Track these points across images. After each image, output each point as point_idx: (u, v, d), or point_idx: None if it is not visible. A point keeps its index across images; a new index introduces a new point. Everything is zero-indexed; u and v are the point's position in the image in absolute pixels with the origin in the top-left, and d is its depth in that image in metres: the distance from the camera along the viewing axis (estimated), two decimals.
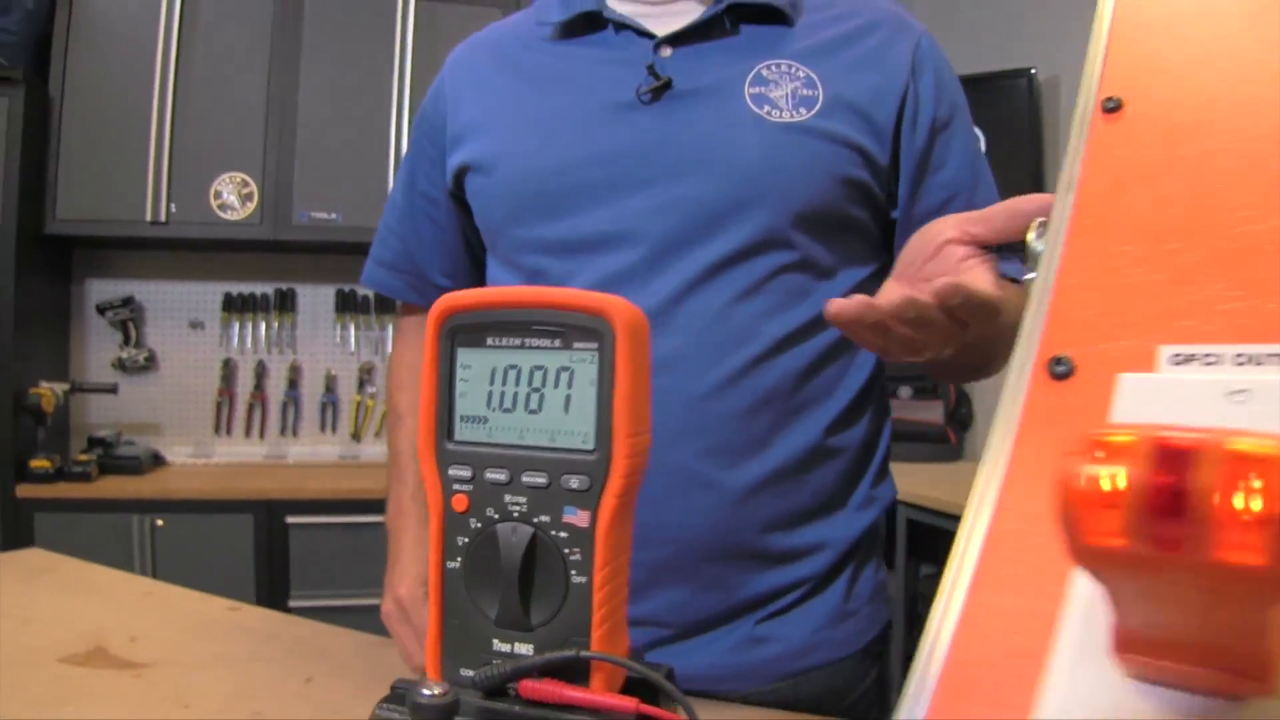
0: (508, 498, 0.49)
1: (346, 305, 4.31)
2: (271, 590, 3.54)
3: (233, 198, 3.82)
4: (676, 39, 1.12)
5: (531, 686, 0.47)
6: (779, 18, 1.13)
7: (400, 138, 3.89)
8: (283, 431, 4.33)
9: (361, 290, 4.29)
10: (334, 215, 3.86)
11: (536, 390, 0.49)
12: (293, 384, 4.32)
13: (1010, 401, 0.40)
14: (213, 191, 3.81)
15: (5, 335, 3.53)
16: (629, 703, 0.46)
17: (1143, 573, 0.25)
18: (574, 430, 0.48)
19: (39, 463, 3.57)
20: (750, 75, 1.09)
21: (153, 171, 3.76)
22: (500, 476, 0.49)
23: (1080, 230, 0.44)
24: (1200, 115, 0.45)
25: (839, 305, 0.78)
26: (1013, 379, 0.41)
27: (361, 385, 4.36)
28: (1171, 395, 0.36)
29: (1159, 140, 0.46)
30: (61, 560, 1.56)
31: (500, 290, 0.51)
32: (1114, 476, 0.23)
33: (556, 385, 0.49)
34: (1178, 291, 0.39)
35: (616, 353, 0.47)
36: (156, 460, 4.10)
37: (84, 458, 3.71)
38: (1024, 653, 0.31)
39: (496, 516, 0.49)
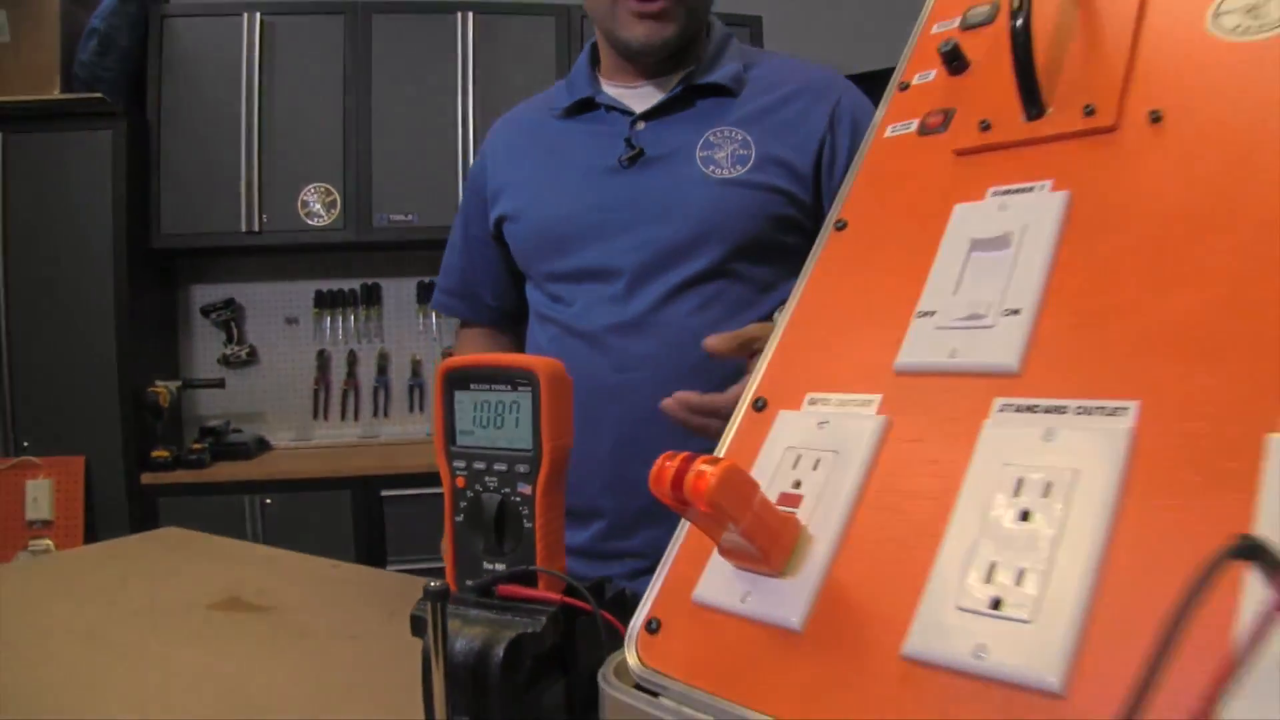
0: (486, 478, 0.80)
1: (427, 296, 4.49)
2: (371, 556, 3.78)
3: (318, 206, 4.09)
4: (649, 115, 1.46)
5: (503, 589, 0.79)
6: (726, 91, 1.45)
7: (467, 142, 4.12)
8: (375, 414, 4.60)
9: None
10: (411, 217, 4.11)
11: (499, 415, 0.80)
12: (382, 370, 4.59)
13: (730, 427, 0.69)
14: (300, 201, 4.08)
15: (123, 341, 3.81)
16: (556, 596, 0.78)
17: (691, 517, 0.56)
18: (521, 438, 0.79)
19: (159, 453, 3.87)
20: (700, 141, 1.42)
21: (245, 186, 4.04)
22: (482, 465, 0.81)
23: (798, 310, 0.74)
24: (889, 231, 0.75)
25: (707, 340, 1.14)
26: (737, 410, 0.70)
27: (442, 356, 4.54)
28: (795, 425, 0.64)
29: (861, 249, 0.75)
30: (194, 535, 1.88)
31: (475, 357, 0.82)
32: (666, 470, 0.54)
33: (510, 412, 0.80)
34: (833, 354, 0.68)
35: (541, 392, 0.78)
36: (262, 445, 4.38)
37: (198, 446, 4.01)
38: (702, 560, 0.62)
39: (480, 489, 0.81)
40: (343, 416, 4.60)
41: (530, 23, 4.20)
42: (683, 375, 1.37)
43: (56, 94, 3.82)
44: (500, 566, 0.80)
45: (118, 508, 3.81)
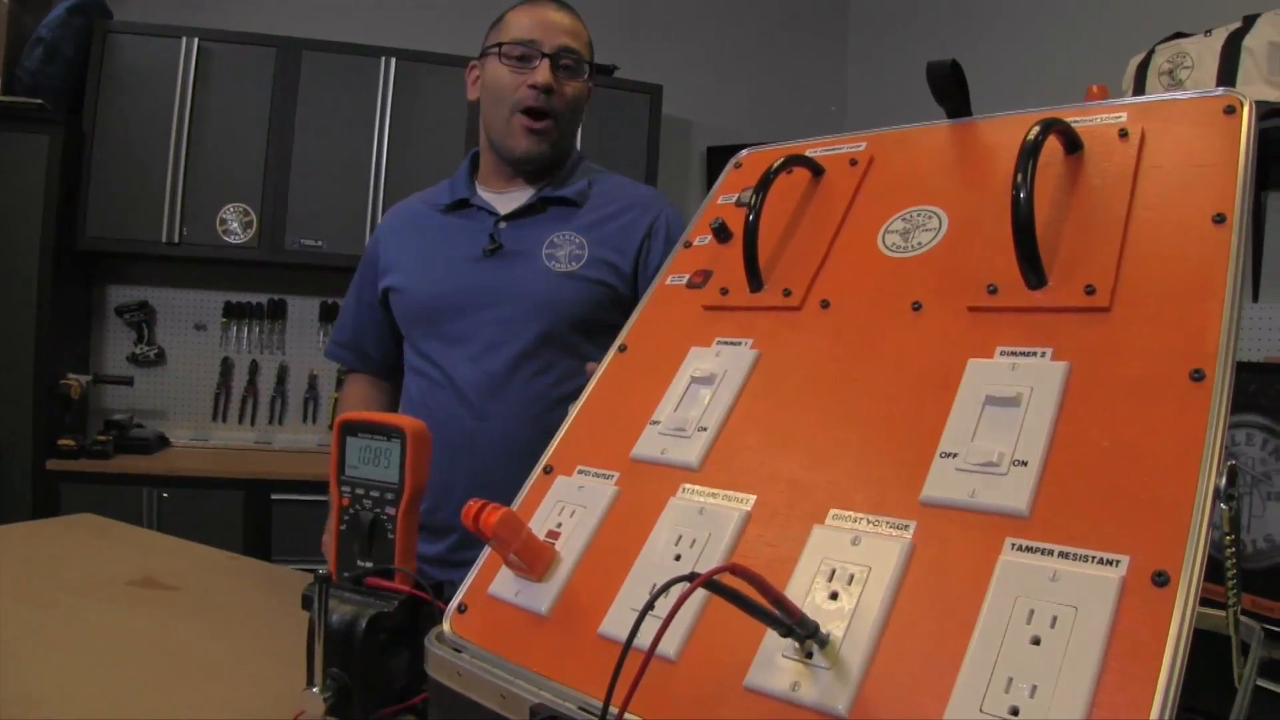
0: (364, 500, 1.11)
1: (329, 315, 4.74)
2: (258, 554, 3.67)
3: (236, 224, 4.31)
4: (510, 216, 1.83)
5: (370, 580, 1.11)
6: (572, 203, 1.83)
7: (379, 177, 4.39)
8: (271, 421, 4.82)
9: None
10: (320, 243, 4.36)
11: (377, 457, 1.11)
12: (280, 380, 4.81)
13: (525, 486, 1.02)
14: (219, 218, 4.29)
15: (41, 333, 3.98)
16: (406, 588, 1.10)
17: (490, 542, 0.90)
18: (391, 474, 1.09)
19: (65, 441, 4.03)
20: (546, 241, 1.80)
21: (169, 199, 4.24)
22: (361, 491, 1.11)
23: (584, 407, 1.07)
24: (649, 360, 1.08)
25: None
26: (533, 472, 1.04)
27: (339, 384, 4.68)
28: (565, 486, 0.97)
29: (630, 370, 1.07)
30: (111, 522, 2.11)
31: (364, 414, 1.13)
32: (470, 510, 0.87)
33: (385, 455, 1.11)
34: (597, 441, 1.01)
35: (407, 444, 1.09)
36: (163, 442, 4.56)
37: (102, 438, 4.17)
38: (496, 568, 0.96)
39: (359, 508, 1.10)
40: (240, 421, 4.80)
41: (448, 73, 4.45)
42: (525, 424, 1.72)
43: None
44: (369, 564, 1.11)
45: (21, 490, 3.98)
